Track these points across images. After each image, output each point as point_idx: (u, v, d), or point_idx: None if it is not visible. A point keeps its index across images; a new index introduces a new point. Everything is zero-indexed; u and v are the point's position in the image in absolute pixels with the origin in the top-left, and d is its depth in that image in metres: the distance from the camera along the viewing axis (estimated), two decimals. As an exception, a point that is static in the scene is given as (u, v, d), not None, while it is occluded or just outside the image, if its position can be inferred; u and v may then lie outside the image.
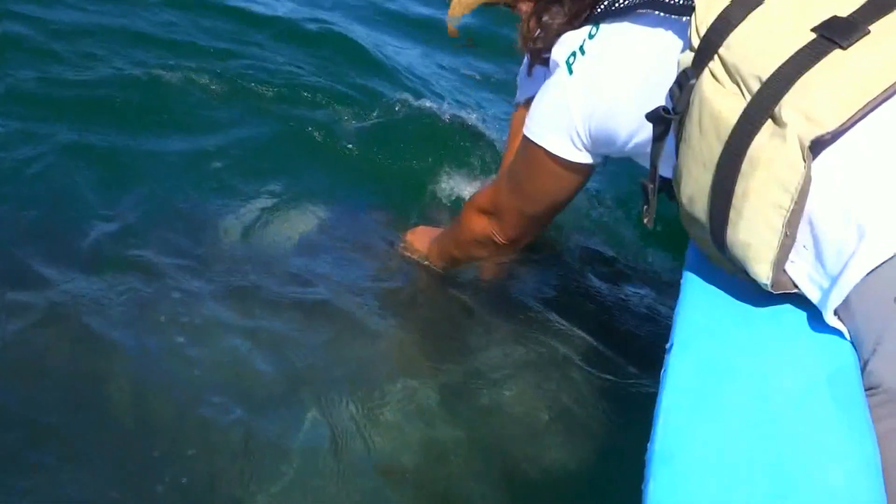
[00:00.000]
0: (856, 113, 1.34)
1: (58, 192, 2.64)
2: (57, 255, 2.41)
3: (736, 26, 1.45)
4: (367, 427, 2.08)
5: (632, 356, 2.34)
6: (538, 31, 1.89)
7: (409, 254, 2.54)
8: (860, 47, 1.36)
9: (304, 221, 2.69)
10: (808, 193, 1.37)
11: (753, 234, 1.43)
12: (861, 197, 1.35)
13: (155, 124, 3.01)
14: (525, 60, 2.35)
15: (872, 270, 1.33)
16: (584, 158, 1.87)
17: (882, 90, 1.34)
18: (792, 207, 1.37)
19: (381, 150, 3.03)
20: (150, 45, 3.47)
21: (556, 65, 1.82)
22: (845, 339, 1.41)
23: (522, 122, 2.24)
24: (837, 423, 1.32)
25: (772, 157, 1.37)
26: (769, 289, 1.46)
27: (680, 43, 1.59)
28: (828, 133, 1.34)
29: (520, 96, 2.46)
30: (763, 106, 1.37)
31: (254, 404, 2.09)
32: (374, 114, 3.27)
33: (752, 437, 1.30)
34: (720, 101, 1.43)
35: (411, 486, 2.01)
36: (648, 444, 1.30)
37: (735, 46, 1.43)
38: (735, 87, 1.42)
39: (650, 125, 1.60)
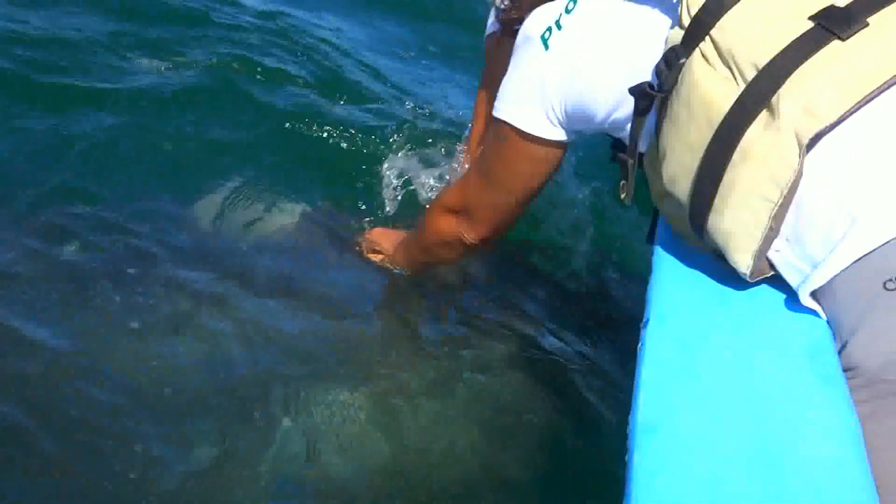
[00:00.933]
0: (853, 105, 1.32)
1: (33, 185, 2.57)
2: (30, 254, 2.34)
3: (729, 8, 1.41)
4: (342, 430, 2.04)
5: (608, 343, 2.33)
6: (513, 2, 1.83)
7: (372, 256, 2.46)
8: (859, 39, 1.33)
9: (279, 220, 2.63)
10: (798, 186, 1.35)
11: (738, 224, 1.40)
12: (853, 185, 1.32)
13: (135, 122, 2.94)
14: (488, 36, 2.32)
15: (862, 256, 1.31)
16: (560, 135, 1.80)
17: (880, 84, 1.31)
18: (780, 202, 1.35)
19: (358, 147, 2.96)
20: (126, 41, 3.39)
21: (529, 39, 1.74)
22: (820, 317, 1.41)
23: (486, 103, 2.22)
24: (818, 396, 1.30)
25: (765, 150, 1.34)
26: (747, 278, 1.45)
27: (666, 20, 1.55)
28: (826, 127, 1.31)
29: (484, 78, 2.42)
30: (759, 95, 1.34)
31: (227, 408, 2.03)
32: (350, 106, 3.23)
33: (733, 408, 1.28)
34: (711, 85, 1.39)
35: (387, 491, 1.98)
36: (630, 417, 1.29)
37: (729, 29, 1.40)
38: (727, 70, 1.39)
39: (630, 101, 1.56)
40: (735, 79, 1.37)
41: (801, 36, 1.35)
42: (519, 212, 2.07)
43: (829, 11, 1.36)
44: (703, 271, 1.55)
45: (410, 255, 2.34)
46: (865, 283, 1.31)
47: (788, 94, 1.32)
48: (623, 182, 1.64)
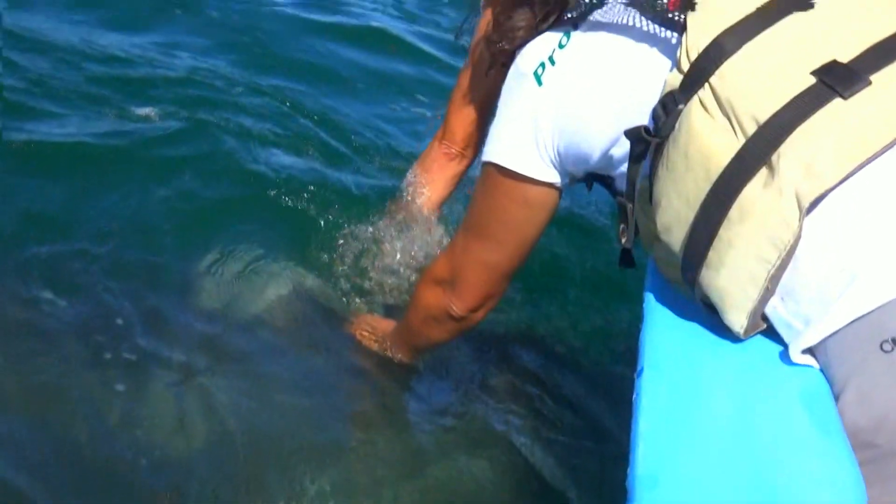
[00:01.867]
0: (855, 167, 1.29)
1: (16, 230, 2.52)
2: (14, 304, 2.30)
3: (730, 55, 1.38)
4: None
5: (602, 392, 2.30)
6: (503, 34, 1.74)
7: (365, 337, 2.34)
8: (861, 98, 1.31)
9: (269, 291, 2.54)
10: (797, 247, 1.33)
11: (733, 283, 1.37)
12: (853, 244, 1.30)
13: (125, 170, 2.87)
14: (475, 42, 2.22)
15: (859, 317, 1.28)
16: (554, 177, 1.73)
17: (882, 145, 1.29)
18: (778, 264, 1.32)
19: (353, 215, 2.83)
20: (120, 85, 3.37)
21: (522, 76, 1.68)
22: (815, 368, 1.38)
23: (458, 109, 2.17)
24: (819, 445, 1.27)
25: (765, 210, 1.31)
26: (740, 336, 1.42)
27: (665, 62, 1.51)
28: (828, 190, 1.29)
29: (460, 82, 2.38)
30: (759, 151, 1.31)
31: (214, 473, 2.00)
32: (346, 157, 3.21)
33: (734, 459, 1.25)
34: (710, 136, 1.36)
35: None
36: (628, 471, 1.26)
37: (729, 79, 1.37)
38: (726, 121, 1.36)
39: (625, 143, 1.53)
40: (734, 131, 1.34)
41: (802, 92, 1.32)
42: (510, 271, 1.91)
43: (831, 67, 1.33)
44: (696, 319, 1.53)
45: (401, 337, 2.21)
46: (860, 342, 1.28)
47: (789, 153, 1.29)
48: (623, 226, 1.60)
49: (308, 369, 2.34)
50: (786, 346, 1.41)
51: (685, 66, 1.42)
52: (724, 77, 1.37)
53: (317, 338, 2.45)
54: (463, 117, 2.45)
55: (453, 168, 2.56)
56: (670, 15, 1.50)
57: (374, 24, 4.60)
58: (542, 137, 1.67)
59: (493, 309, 1.99)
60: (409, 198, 2.61)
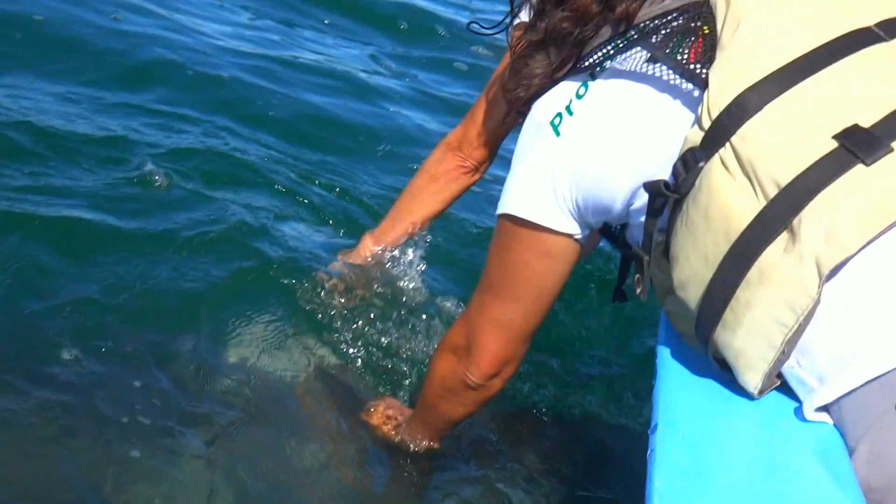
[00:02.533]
0: (876, 235, 1.29)
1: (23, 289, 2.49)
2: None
3: (752, 115, 1.37)
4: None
5: (617, 448, 2.28)
6: (519, 81, 1.71)
7: (383, 424, 2.24)
8: (882, 165, 1.31)
9: (285, 373, 2.46)
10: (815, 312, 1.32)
11: (749, 345, 1.37)
12: (871, 306, 1.30)
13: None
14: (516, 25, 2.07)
15: (875, 378, 1.28)
16: (574, 229, 1.68)
17: None
18: (795, 328, 1.32)
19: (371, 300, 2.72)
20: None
21: (539, 125, 1.65)
22: (829, 423, 1.38)
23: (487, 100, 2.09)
24: (835, 500, 1.26)
25: (784, 275, 1.31)
26: (754, 395, 1.42)
27: (687, 115, 1.49)
28: (848, 258, 1.29)
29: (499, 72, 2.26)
30: (780, 215, 1.31)
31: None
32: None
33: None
34: (731, 197, 1.36)
35: None
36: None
37: (751, 139, 1.36)
38: (747, 182, 1.35)
39: (644, 195, 1.52)
40: (755, 192, 1.34)
41: (824, 157, 1.32)
42: (529, 331, 1.82)
43: (854, 132, 1.33)
44: (710, 374, 1.52)
45: (419, 417, 2.09)
46: (875, 403, 1.28)
47: (810, 220, 1.29)
48: (638, 276, 1.58)
49: (326, 452, 2.27)
50: (800, 401, 1.41)
51: (706, 124, 1.41)
52: (746, 138, 1.37)
53: (334, 418, 2.39)
54: (486, 130, 2.35)
55: (464, 181, 2.47)
56: (692, 67, 1.48)
57: (373, 80, 4.61)
58: (560, 188, 1.64)
59: (512, 376, 1.90)
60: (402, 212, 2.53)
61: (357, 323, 2.57)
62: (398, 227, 2.56)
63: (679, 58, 1.49)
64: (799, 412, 1.40)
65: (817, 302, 1.30)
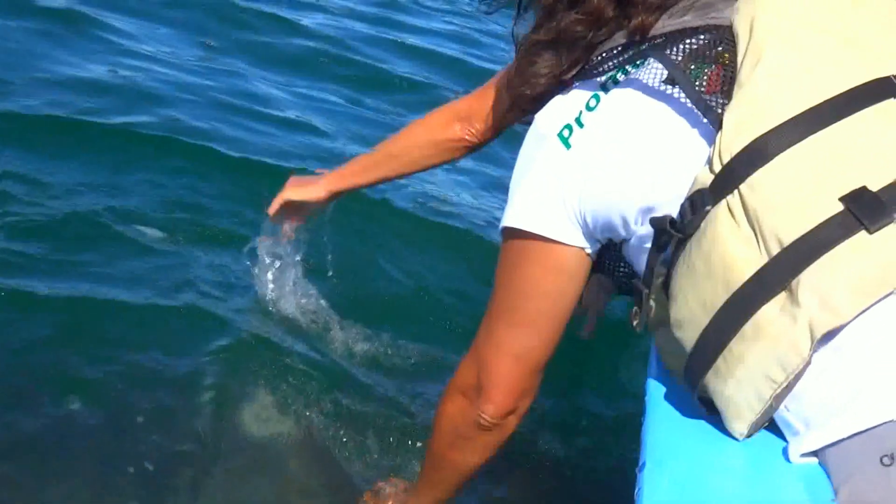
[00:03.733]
0: (871, 303, 1.29)
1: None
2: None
3: (763, 164, 1.35)
4: None
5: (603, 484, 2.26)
6: (525, 79, 1.64)
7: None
8: (885, 234, 1.30)
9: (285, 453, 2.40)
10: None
11: (739, 395, 1.37)
12: (861, 365, 1.30)
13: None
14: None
15: (862, 431, 1.28)
16: (584, 243, 1.61)
17: None
18: (784, 385, 1.33)
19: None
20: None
21: (544, 137, 1.59)
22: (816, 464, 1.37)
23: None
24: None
25: (778, 333, 1.30)
26: (740, 440, 1.42)
27: (701, 147, 1.45)
28: (841, 325, 1.29)
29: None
30: (779, 275, 1.31)
31: None
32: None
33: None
34: (734, 247, 1.35)
35: None
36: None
37: (759, 190, 1.35)
38: (751, 233, 1.34)
39: (658, 209, 1.49)
40: (758, 245, 1.34)
41: (828, 219, 1.31)
42: (544, 358, 1.72)
43: (860, 195, 1.32)
44: (698, 412, 1.52)
45: (427, 479, 1.92)
46: (860, 454, 1.27)
47: (808, 284, 1.29)
48: (636, 309, 1.55)
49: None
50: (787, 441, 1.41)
51: (717, 167, 1.39)
52: (754, 187, 1.36)
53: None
54: (500, 110, 2.19)
55: (459, 154, 2.32)
56: (708, 99, 1.44)
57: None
58: (569, 201, 1.57)
59: (527, 412, 1.76)
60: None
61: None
62: (374, 173, 2.40)
63: (697, 84, 1.46)
64: (786, 452, 1.40)
65: (808, 363, 1.31)
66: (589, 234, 1.61)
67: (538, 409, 2.53)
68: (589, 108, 1.55)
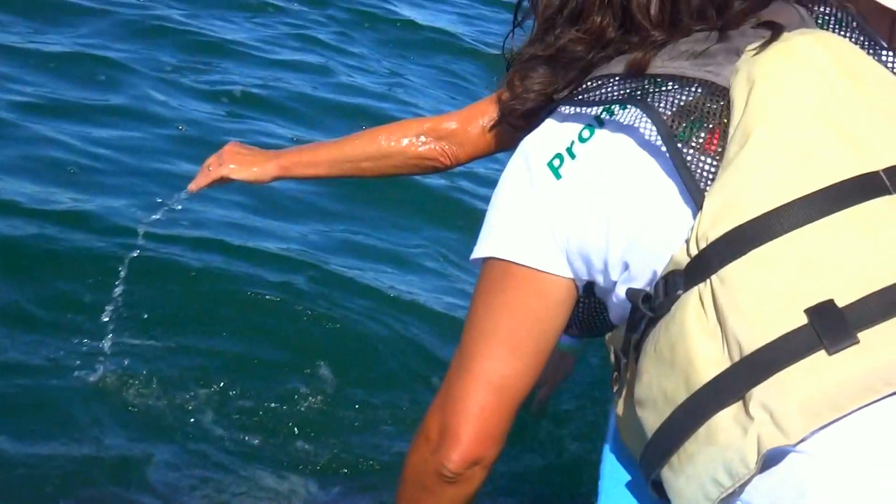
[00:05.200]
0: (821, 426, 1.27)
1: None
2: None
3: (735, 258, 1.32)
4: None
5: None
6: (515, 95, 1.57)
7: None
8: (843, 358, 1.27)
9: None
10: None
11: (687, 491, 1.36)
12: (806, 467, 1.29)
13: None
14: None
15: None
16: (571, 274, 1.51)
17: (851, 409, 1.27)
18: (730, 490, 1.31)
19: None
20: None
21: (532, 166, 1.50)
22: None
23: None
24: None
25: (729, 441, 1.30)
26: None
27: (685, 215, 1.40)
28: (788, 446, 1.28)
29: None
30: (736, 385, 1.30)
31: None
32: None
33: None
34: (699, 343, 1.33)
35: None
36: None
37: (729, 286, 1.32)
38: (717, 328, 1.32)
39: (632, 277, 1.45)
40: (722, 345, 1.32)
41: (790, 332, 1.29)
42: (521, 394, 1.54)
43: (826, 311, 1.29)
44: (652, 495, 1.51)
45: None
46: None
47: (761, 399, 1.28)
48: (616, 374, 1.53)
49: None
50: None
51: (693, 250, 1.36)
52: (725, 282, 1.33)
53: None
54: (482, 137, 2.12)
55: (427, 172, 2.20)
56: (700, 160, 1.39)
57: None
58: (558, 233, 1.48)
59: (494, 462, 1.56)
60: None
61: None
62: (334, 170, 2.22)
63: (693, 141, 1.40)
64: None
65: (755, 474, 1.30)
66: (576, 271, 1.52)
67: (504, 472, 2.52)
68: (582, 140, 1.48)
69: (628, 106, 1.45)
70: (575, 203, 1.47)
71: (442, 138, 2.14)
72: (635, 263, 1.46)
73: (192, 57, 5.15)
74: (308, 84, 5.13)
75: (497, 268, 1.52)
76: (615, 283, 1.50)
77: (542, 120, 1.55)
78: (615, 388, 1.53)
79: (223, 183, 2.19)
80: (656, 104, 1.43)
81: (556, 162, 1.49)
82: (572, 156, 1.48)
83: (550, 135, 1.52)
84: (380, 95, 5.20)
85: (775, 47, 1.45)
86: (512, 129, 1.62)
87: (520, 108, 1.58)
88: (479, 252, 1.54)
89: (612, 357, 1.56)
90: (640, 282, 1.46)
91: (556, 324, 1.54)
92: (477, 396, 1.52)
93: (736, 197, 1.36)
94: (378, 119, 4.53)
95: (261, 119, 4.57)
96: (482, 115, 2.09)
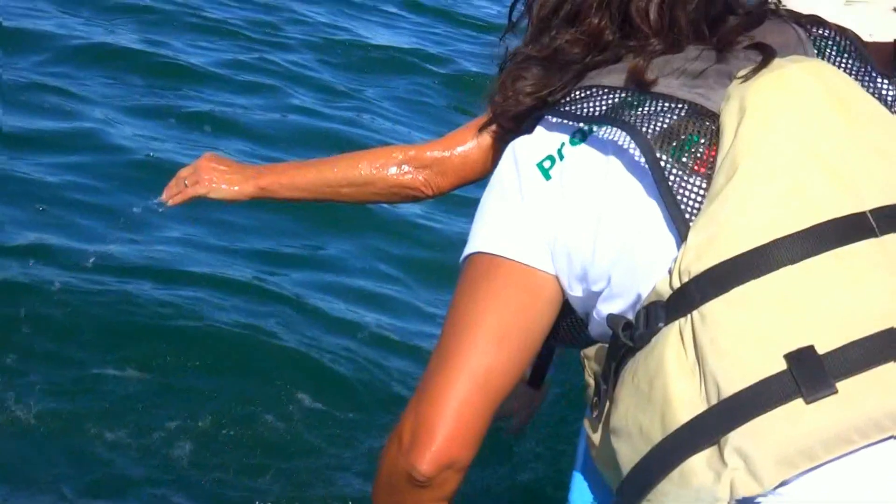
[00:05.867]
0: (794, 475, 1.25)
1: None
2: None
3: (717, 295, 1.29)
4: None
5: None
6: (506, 94, 1.53)
7: None
8: (820, 407, 1.25)
9: None
10: None
11: None
12: None
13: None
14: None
15: None
16: (551, 269, 1.45)
17: (827, 459, 1.25)
18: None
19: None
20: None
21: (522, 166, 1.46)
22: None
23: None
24: None
25: (700, 485, 1.27)
26: None
27: (668, 241, 1.38)
28: (759, 495, 1.25)
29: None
30: (711, 429, 1.27)
31: None
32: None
33: None
34: (677, 381, 1.30)
35: None
36: None
37: (709, 324, 1.29)
38: (696, 366, 1.29)
39: (615, 296, 1.42)
40: (699, 385, 1.29)
41: (769, 378, 1.26)
42: (504, 386, 1.44)
43: (806, 357, 1.26)
44: None
45: None
46: None
47: (736, 445, 1.25)
48: (596, 399, 1.47)
49: None
50: None
51: (675, 282, 1.33)
52: (706, 319, 1.30)
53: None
54: (465, 165, 2.09)
55: (408, 200, 2.18)
56: (686, 188, 1.36)
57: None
58: (547, 231, 1.44)
59: (465, 469, 1.44)
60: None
61: None
62: (314, 193, 2.16)
63: (685, 158, 1.36)
64: None
65: None
66: (558, 269, 1.46)
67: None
68: (573, 143, 1.44)
69: (623, 114, 1.41)
70: (563, 204, 1.43)
71: (424, 167, 2.11)
72: (618, 279, 1.42)
73: (154, 82, 5.10)
74: (273, 110, 5.10)
75: (484, 262, 1.46)
76: (597, 297, 1.45)
77: (532, 123, 1.51)
78: (595, 414, 1.47)
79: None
80: (641, 126, 1.39)
81: (547, 163, 1.45)
82: (561, 157, 1.44)
83: (540, 138, 1.48)
84: (347, 120, 5.19)
85: (769, 76, 1.41)
86: (502, 131, 1.58)
87: (512, 111, 1.53)
88: (467, 250, 1.48)
89: (590, 378, 1.52)
90: (621, 302, 1.43)
91: (542, 322, 1.47)
92: (457, 391, 1.41)
93: (720, 232, 1.33)
94: (344, 142, 4.55)
95: (226, 145, 4.53)
96: (463, 144, 2.08)
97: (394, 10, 7.09)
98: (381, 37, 6.51)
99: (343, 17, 6.66)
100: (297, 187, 2.12)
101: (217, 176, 2.09)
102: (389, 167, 2.11)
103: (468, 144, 2.06)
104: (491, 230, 1.47)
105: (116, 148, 4.31)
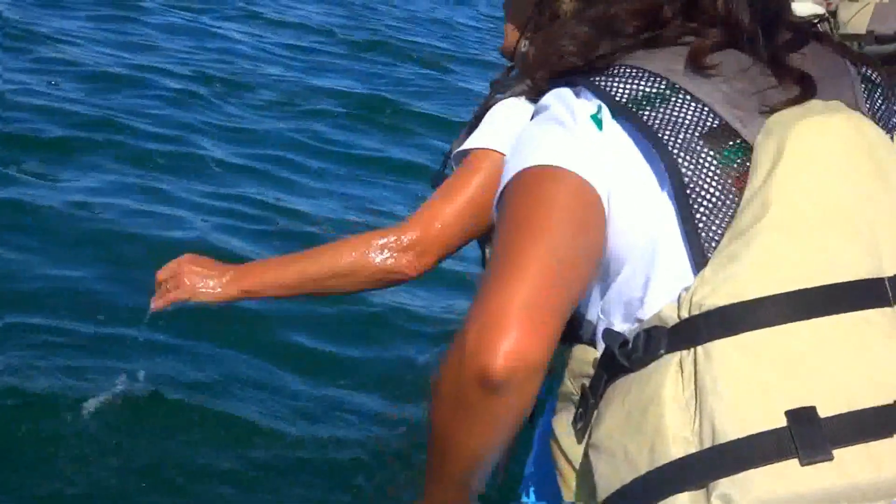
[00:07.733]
0: None
1: None
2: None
3: (724, 336, 1.27)
4: None
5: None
6: (549, 52, 1.46)
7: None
8: (815, 470, 1.24)
9: None
10: None
11: None
12: None
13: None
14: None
15: None
16: (607, 207, 1.36)
17: None
18: None
19: None
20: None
21: (573, 111, 1.39)
22: None
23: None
24: None
25: None
26: None
27: (682, 261, 1.35)
28: None
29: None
30: (700, 473, 1.25)
31: None
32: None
33: None
34: (671, 416, 1.27)
35: None
36: None
37: (714, 364, 1.27)
38: (693, 402, 1.27)
39: (622, 291, 1.39)
40: (693, 423, 1.27)
41: (767, 432, 1.25)
42: (577, 284, 1.33)
43: (806, 418, 1.25)
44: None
45: (428, 476, 1.42)
46: None
47: (724, 491, 1.24)
48: (580, 411, 1.41)
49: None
50: None
51: (684, 312, 1.30)
52: (711, 358, 1.28)
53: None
54: (447, 244, 2.08)
55: (394, 283, 2.13)
56: (712, 215, 1.34)
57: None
58: (604, 177, 1.37)
59: (542, 372, 1.28)
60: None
61: None
62: (297, 290, 2.15)
63: (731, 170, 1.35)
64: None
65: None
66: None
67: None
68: (612, 115, 1.39)
69: (660, 108, 1.37)
70: (615, 161, 1.37)
71: (405, 250, 2.07)
72: (628, 272, 1.39)
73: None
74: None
75: (541, 173, 1.35)
76: (599, 284, 1.42)
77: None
78: (578, 426, 1.40)
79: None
80: (670, 133, 1.36)
81: (599, 113, 1.38)
82: (602, 123, 1.38)
83: (583, 95, 1.41)
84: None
85: (812, 121, 1.38)
86: (533, 87, 1.51)
87: (552, 66, 1.45)
88: (518, 167, 1.36)
89: (573, 386, 1.45)
90: (618, 307, 1.42)
91: (599, 239, 1.36)
92: (528, 281, 1.26)
93: (740, 273, 1.30)
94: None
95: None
96: (438, 219, 2.07)
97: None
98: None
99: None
100: (281, 285, 2.11)
101: (197, 280, 2.08)
102: (371, 254, 2.07)
103: (443, 218, 2.06)
104: (548, 149, 1.37)
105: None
